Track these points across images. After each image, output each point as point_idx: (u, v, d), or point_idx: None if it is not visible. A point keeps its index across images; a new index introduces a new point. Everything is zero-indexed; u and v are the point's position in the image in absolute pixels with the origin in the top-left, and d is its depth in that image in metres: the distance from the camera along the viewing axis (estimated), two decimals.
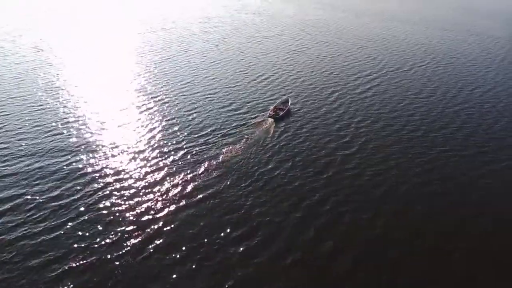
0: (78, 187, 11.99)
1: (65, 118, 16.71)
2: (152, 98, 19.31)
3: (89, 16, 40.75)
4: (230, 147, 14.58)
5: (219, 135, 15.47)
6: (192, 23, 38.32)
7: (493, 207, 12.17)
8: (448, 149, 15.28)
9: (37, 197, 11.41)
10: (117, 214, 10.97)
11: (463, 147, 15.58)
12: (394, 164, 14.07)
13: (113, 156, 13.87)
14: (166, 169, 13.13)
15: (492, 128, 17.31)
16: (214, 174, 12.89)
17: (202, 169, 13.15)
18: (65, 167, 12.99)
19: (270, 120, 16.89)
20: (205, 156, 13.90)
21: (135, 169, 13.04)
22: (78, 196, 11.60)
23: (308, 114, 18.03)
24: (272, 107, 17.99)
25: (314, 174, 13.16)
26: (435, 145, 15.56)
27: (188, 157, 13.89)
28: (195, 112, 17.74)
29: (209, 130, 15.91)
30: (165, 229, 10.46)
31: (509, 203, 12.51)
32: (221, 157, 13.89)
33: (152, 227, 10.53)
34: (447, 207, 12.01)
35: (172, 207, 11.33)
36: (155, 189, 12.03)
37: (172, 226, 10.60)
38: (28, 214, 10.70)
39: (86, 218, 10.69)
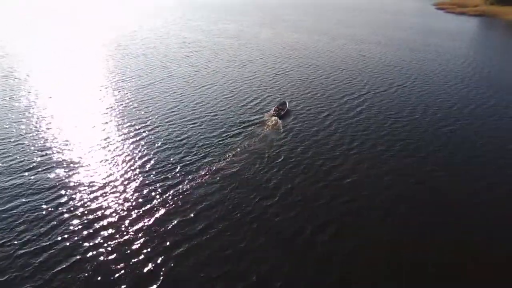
0: (62, 227, 11.26)
1: (45, 152, 15.94)
2: (139, 125, 18.87)
3: (64, 41, 39.89)
4: (225, 166, 14.32)
5: (212, 160, 15.21)
6: (171, 48, 38.33)
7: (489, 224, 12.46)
8: (439, 168, 15.69)
9: (13, 241, 10.57)
10: (107, 256, 10.35)
11: (451, 165, 16.05)
12: (389, 184, 14.29)
13: (100, 190, 13.24)
14: (159, 200, 12.67)
15: (476, 144, 17.99)
16: (210, 201, 12.56)
17: (197, 195, 12.77)
18: (45, 205, 12.25)
19: (274, 118, 19.59)
20: (198, 182, 13.55)
21: (125, 203, 12.49)
22: (62, 238, 10.88)
23: (299, 135, 18.10)
24: (273, 108, 21.07)
25: (313, 199, 13.09)
26: (426, 164, 15.94)
27: (184, 182, 13.50)
28: (186, 138, 17.43)
29: (201, 156, 15.61)
30: (161, 270, 9.83)
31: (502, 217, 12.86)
32: (218, 181, 13.59)
33: (144, 267, 9.93)
34: (449, 229, 12.18)
35: (171, 242, 10.82)
36: (149, 225, 11.51)
37: (168, 267, 9.98)
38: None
39: (69, 264, 9.95)
